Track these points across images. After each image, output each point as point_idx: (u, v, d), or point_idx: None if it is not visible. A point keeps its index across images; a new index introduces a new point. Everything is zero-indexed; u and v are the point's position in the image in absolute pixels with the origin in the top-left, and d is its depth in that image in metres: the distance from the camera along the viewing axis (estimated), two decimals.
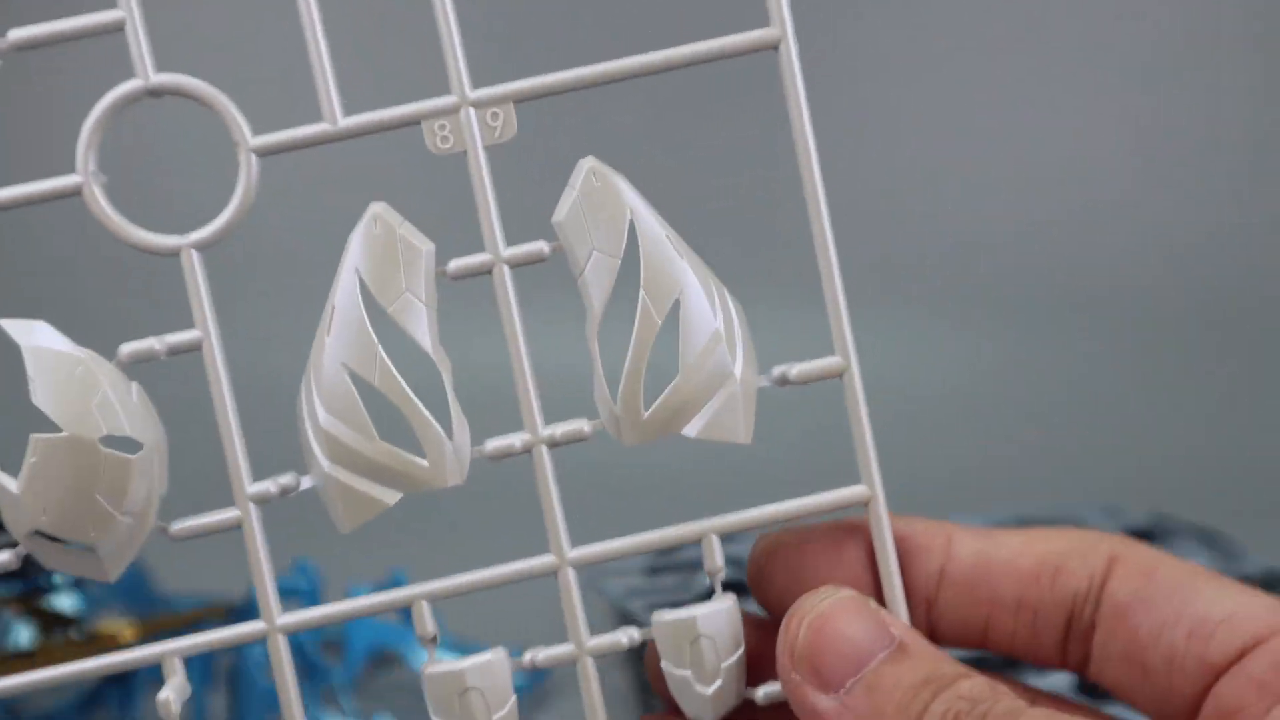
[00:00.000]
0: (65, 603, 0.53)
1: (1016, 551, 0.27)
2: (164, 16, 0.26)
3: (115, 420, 0.25)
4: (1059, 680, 0.43)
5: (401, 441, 0.26)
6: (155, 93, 0.26)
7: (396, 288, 0.26)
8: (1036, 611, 0.27)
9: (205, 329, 0.26)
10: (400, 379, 0.26)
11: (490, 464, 0.27)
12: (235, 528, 0.27)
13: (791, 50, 0.27)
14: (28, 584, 0.52)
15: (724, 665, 0.27)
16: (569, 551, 0.27)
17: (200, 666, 0.37)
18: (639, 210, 0.27)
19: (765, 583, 0.28)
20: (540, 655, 0.27)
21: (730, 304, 0.27)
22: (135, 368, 0.26)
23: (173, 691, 0.26)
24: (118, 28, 0.26)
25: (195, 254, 0.26)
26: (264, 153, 0.26)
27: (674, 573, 0.59)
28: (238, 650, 0.49)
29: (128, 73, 0.26)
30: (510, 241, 0.27)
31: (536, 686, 0.54)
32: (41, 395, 0.25)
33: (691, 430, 0.27)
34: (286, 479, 0.27)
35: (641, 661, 0.29)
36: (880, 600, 0.27)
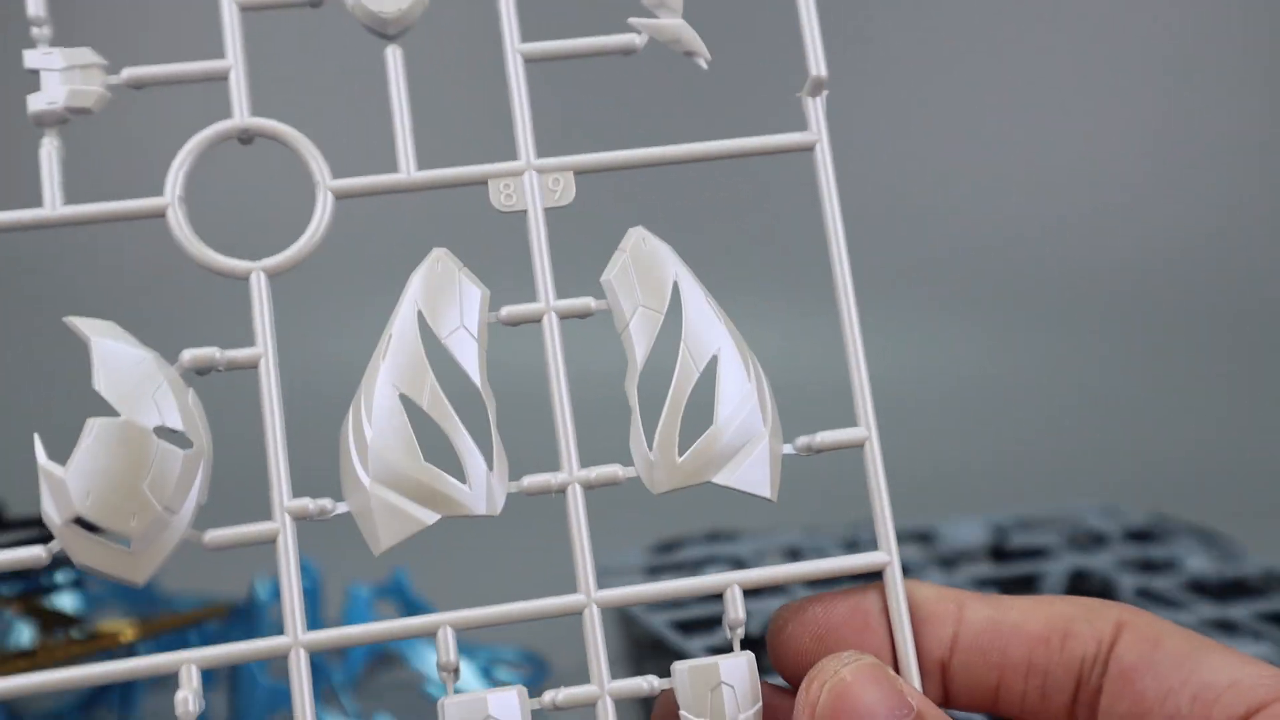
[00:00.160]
0: (66, 602, 0.51)
1: (1025, 615, 0.28)
2: (256, 61, 0.29)
3: (171, 414, 0.26)
4: None
5: (443, 466, 0.27)
6: (246, 133, 0.29)
7: (452, 323, 0.28)
8: (1046, 674, 0.27)
9: (265, 347, 0.28)
10: (448, 404, 0.27)
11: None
12: (270, 540, 0.27)
13: (826, 154, 0.30)
14: (28, 583, 0.50)
15: (743, 717, 0.27)
16: (595, 592, 0.27)
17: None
18: (683, 274, 0.29)
19: (786, 643, 0.28)
20: (561, 695, 0.27)
21: (760, 372, 0.29)
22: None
23: (191, 693, 0.25)
24: (222, 76, 0.29)
25: (264, 277, 0.28)
26: (341, 195, 0.28)
27: (673, 575, 0.58)
28: None
29: (211, 105, 0.28)
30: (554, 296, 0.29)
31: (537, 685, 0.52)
32: (104, 382, 0.26)
33: (722, 479, 0.28)
34: (324, 501, 0.27)
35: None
36: (895, 665, 0.28)
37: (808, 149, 0.30)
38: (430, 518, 0.27)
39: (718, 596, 0.28)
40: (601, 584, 0.27)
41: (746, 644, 0.28)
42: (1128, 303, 1.03)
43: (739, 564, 0.64)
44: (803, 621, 0.28)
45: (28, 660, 0.47)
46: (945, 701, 0.28)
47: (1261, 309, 1.01)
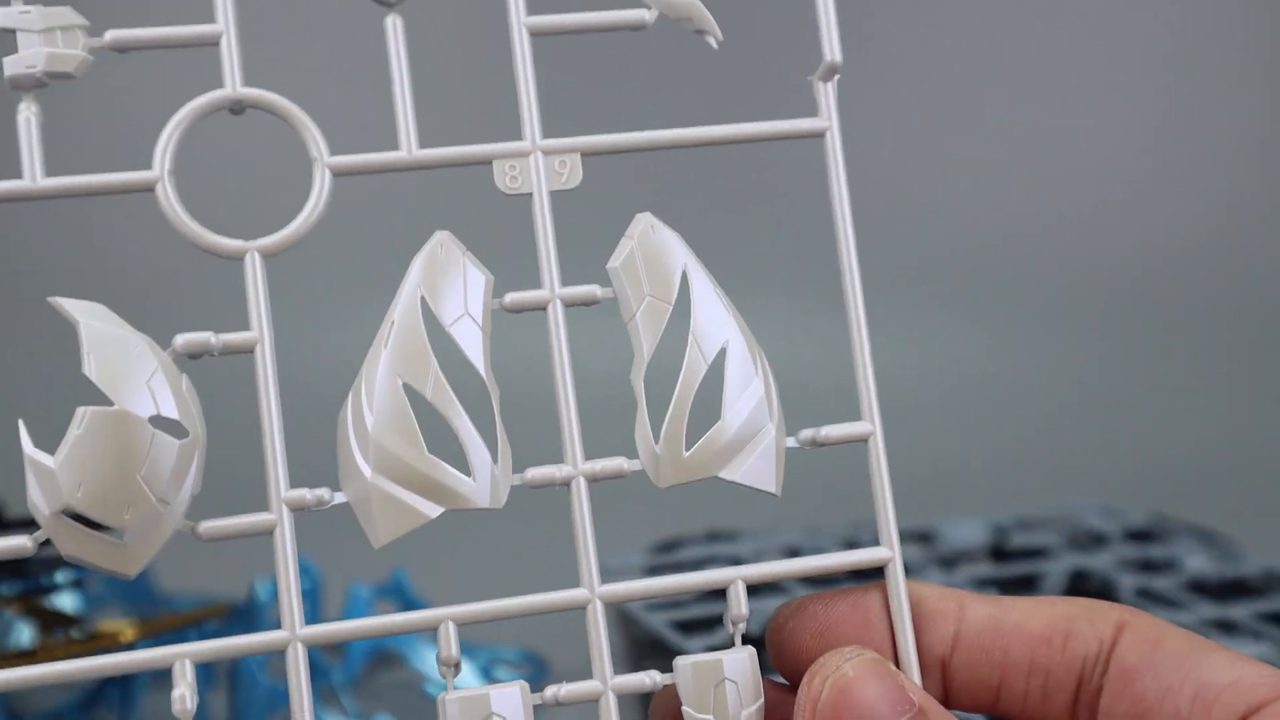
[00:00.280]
0: (66, 602, 0.50)
1: (1027, 615, 0.28)
2: (250, 30, 0.27)
3: (167, 402, 0.25)
4: None
5: (445, 458, 0.26)
6: (239, 104, 0.27)
7: (456, 309, 0.27)
8: (1048, 674, 0.27)
9: (260, 332, 0.26)
10: (453, 394, 0.26)
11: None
12: (267, 532, 0.26)
13: (836, 140, 0.29)
14: (28, 583, 0.49)
15: (745, 713, 0.27)
16: (599, 586, 0.27)
17: (200, 665, 0.35)
18: (691, 264, 0.28)
19: (786, 640, 0.28)
20: (563, 690, 0.27)
21: (766, 365, 0.28)
22: None
23: (188, 689, 0.25)
24: (213, 41, 0.27)
25: (259, 258, 0.27)
26: (339, 172, 0.27)
27: (672, 573, 0.58)
28: None
29: (202, 74, 0.27)
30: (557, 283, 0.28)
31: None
32: (96, 368, 0.25)
33: (729, 474, 0.28)
34: (322, 491, 0.26)
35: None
36: (896, 662, 0.28)
37: (819, 135, 0.29)
38: (433, 511, 0.26)
39: (717, 596, 0.28)
40: (602, 583, 0.27)
41: (745, 644, 0.28)
42: (1128, 301, 1.02)
43: (738, 564, 0.63)
44: (803, 618, 0.28)
45: (28, 660, 0.46)
46: (945, 701, 0.28)
47: (1262, 307, 1.02)
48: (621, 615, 0.56)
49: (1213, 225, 1.05)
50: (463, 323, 0.27)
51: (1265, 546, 0.66)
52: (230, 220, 0.27)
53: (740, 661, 0.27)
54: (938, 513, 0.69)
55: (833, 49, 0.29)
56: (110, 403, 0.25)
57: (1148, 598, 0.61)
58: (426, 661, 0.54)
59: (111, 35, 0.27)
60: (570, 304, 0.28)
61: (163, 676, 0.26)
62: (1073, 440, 0.92)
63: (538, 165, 0.28)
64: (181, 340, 0.26)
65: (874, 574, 0.29)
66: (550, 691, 0.27)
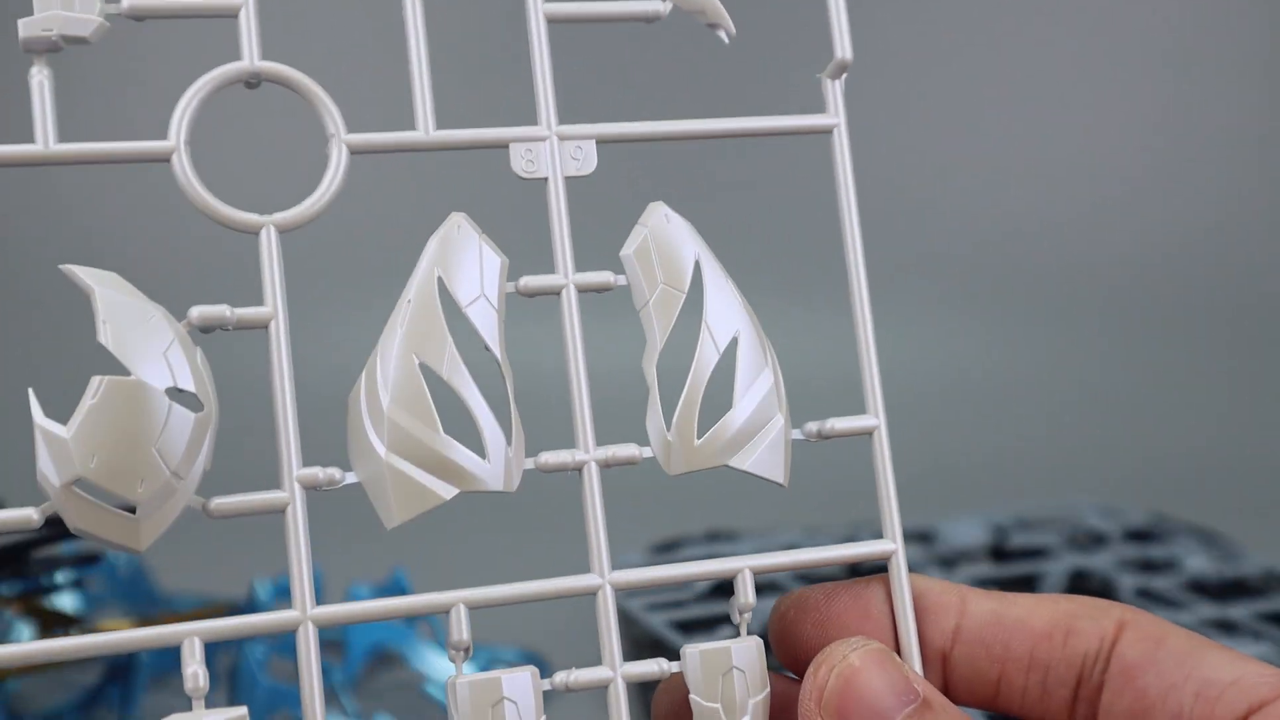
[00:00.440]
0: (66, 602, 0.49)
1: (1029, 611, 0.28)
2: (269, 4, 0.27)
3: (184, 374, 0.25)
4: None
5: (458, 439, 0.26)
6: (257, 77, 0.27)
7: (473, 291, 0.27)
8: (1048, 670, 0.28)
9: (275, 307, 0.26)
10: (468, 374, 0.26)
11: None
12: (279, 510, 0.26)
13: (844, 137, 0.30)
14: (28, 583, 0.47)
15: (752, 702, 0.27)
16: (610, 573, 0.27)
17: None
18: (704, 254, 0.28)
19: (788, 631, 0.28)
20: (573, 677, 0.26)
21: (774, 356, 0.29)
22: None
23: (199, 667, 0.24)
24: (233, 13, 0.27)
25: (274, 232, 0.26)
26: (356, 150, 0.27)
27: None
28: (238, 649, 0.46)
29: (218, 47, 0.27)
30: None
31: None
32: (112, 338, 0.24)
33: (739, 464, 0.28)
34: (333, 470, 0.26)
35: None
36: (897, 653, 0.28)
37: (826, 132, 0.30)
38: (449, 492, 0.26)
39: (716, 596, 0.28)
40: None
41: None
42: (1128, 300, 1.02)
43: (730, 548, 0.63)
44: (805, 610, 0.28)
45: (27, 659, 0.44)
46: (944, 694, 0.28)
47: (1262, 305, 1.02)
48: (622, 615, 0.56)
49: (1213, 223, 1.05)
50: (479, 304, 0.27)
51: (1265, 546, 0.66)
52: (240, 197, 0.27)
53: (748, 650, 0.27)
54: (937, 510, 0.68)
55: (844, 47, 0.30)
56: (125, 372, 0.24)
57: (1148, 597, 0.60)
58: (426, 661, 0.53)
59: (129, 1, 0.26)
60: (584, 290, 0.28)
61: (163, 677, 0.25)
62: (1073, 439, 0.92)
63: (554, 150, 0.28)
64: (197, 312, 0.25)
65: (873, 573, 0.29)
66: (560, 677, 0.26)
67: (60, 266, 0.25)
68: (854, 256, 0.29)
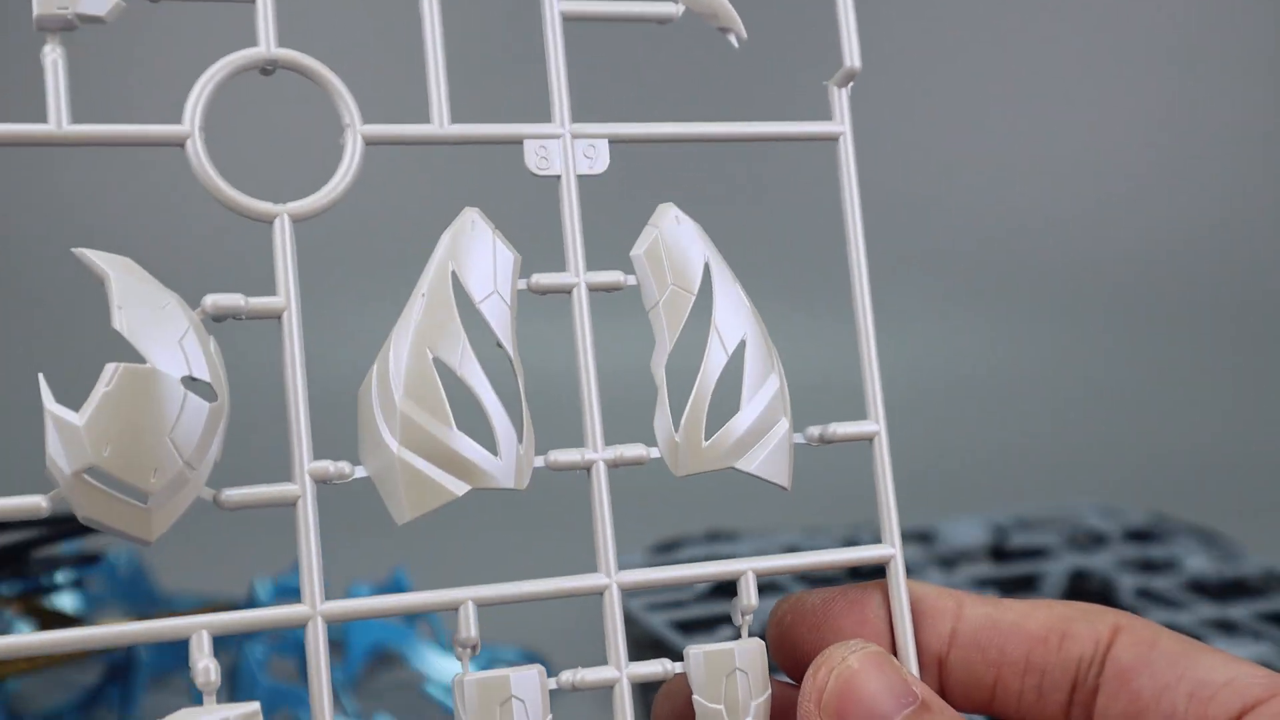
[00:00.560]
0: (66, 602, 0.47)
1: (1024, 615, 0.29)
2: None
3: (199, 363, 0.24)
4: None
5: (470, 435, 0.26)
6: (273, 64, 0.27)
7: (486, 287, 0.27)
8: (1044, 673, 0.28)
9: (289, 297, 0.26)
10: (481, 370, 0.26)
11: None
12: (290, 503, 0.25)
13: (849, 145, 0.30)
14: (28, 583, 0.46)
15: (755, 703, 0.27)
16: (616, 573, 0.27)
17: None
18: (713, 257, 0.29)
19: (786, 635, 0.29)
20: (579, 676, 0.26)
21: (779, 360, 0.29)
22: None
23: (209, 661, 0.24)
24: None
25: (288, 221, 0.26)
26: (371, 141, 0.27)
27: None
28: (238, 649, 0.45)
29: (233, 33, 0.26)
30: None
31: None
32: (127, 324, 0.24)
33: (745, 466, 0.28)
34: (343, 464, 0.26)
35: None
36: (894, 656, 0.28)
37: (833, 139, 0.30)
38: (461, 488, 0.26)
39: (717, 597, 0.28)
40: None
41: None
42: (1129, 300, 1.02)
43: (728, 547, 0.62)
44: (802, 614, 0.29)
45: (27, 660, 0.43)
46: (941, 697, 0.29)
47: (1265, 304, 1.01)
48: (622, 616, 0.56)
49: (1216, 221, 1.04)
50: (492, 300, 0.27)
51: (1265, 546, 0.66)
52: (254, 185, 0.26)
53: (751, 652, 0.27)
54: (937, 511, 0.68)
55: (852, 55, 0.30)
56: (137, 360, 0.24)
57: (1148, 598, 0.60)
58: (426, 661, 0.53)
59: None
60: (595, 289, 0.28)
61: (162, 677, 0.25)
62: (1073, 439, 0.92)
63: (568, 148, 0.28)
64: (211, 301, 0.25)
65: (872, 576, 0.29)
66: (566, 677, 0.26)
67: (74, 250, 0.24)
68: (858, 271, 0.30)
